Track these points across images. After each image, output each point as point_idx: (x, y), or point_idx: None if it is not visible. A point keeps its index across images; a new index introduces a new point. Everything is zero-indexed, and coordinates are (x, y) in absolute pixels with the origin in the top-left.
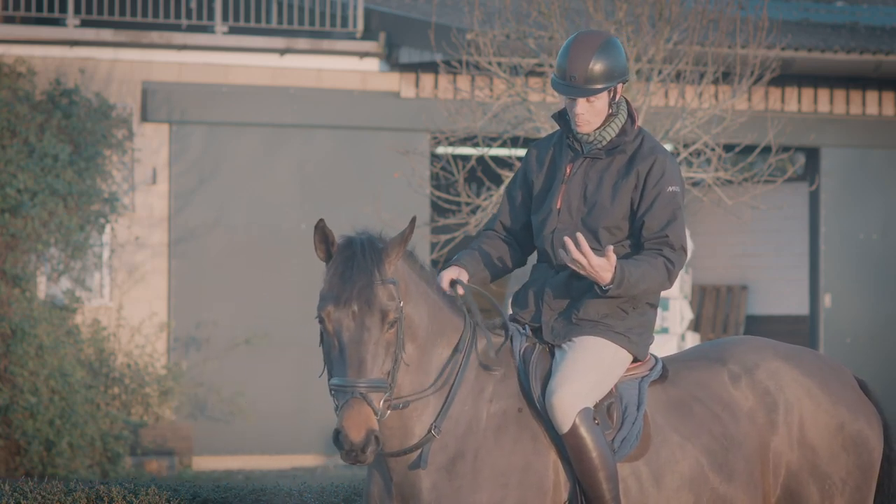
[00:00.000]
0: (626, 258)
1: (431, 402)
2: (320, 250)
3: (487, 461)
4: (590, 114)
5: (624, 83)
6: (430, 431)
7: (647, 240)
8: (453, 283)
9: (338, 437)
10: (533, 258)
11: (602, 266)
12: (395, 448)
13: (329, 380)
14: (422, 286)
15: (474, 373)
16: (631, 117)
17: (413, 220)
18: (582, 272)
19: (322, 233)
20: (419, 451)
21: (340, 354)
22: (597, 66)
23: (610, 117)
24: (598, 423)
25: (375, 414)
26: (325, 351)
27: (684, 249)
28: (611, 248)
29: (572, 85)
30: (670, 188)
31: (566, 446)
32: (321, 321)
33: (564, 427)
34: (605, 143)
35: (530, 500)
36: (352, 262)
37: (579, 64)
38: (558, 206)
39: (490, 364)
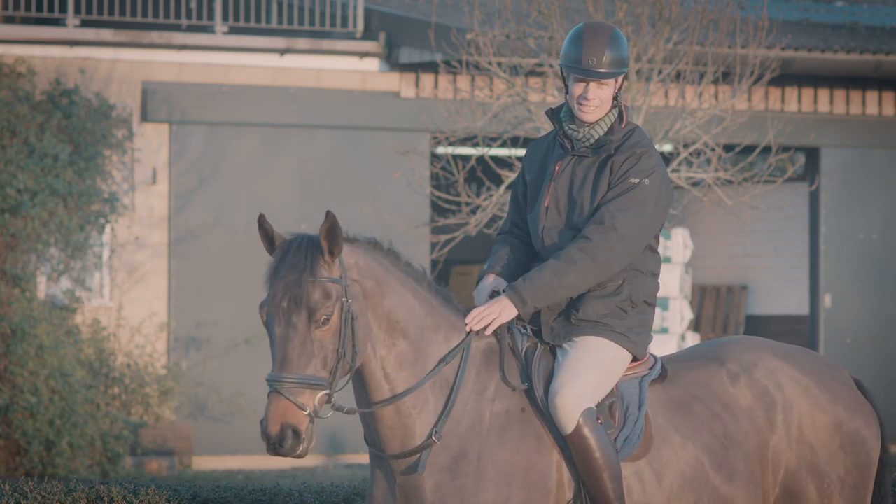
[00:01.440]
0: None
1: (431, 402)
2: (265, 245)
3: (491, 461)
4: (599, 99)
5: (625, 77)
6: (430, 436)
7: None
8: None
9: (260, 429)
10: None
11: (493, 307)
12: (395, 450)
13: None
14: (408, 282)
15: (475, 372)
16: (620, 117)
17: (328, 214)
18: (495, 324)
19: (262, 229)
20: (420, 454)
21: (272, 349)
22: (611, 53)
23: (611, 110)
24: (601, 423)
25: (302, 409)
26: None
27: (614, 226)
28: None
29: (591, 69)
30: (632, 179)
31: (570, 446)
32: (261, 318)
33: (568, 427)
34: (592, 140)
35: (534, 499)
36: (284, 259)
37: (597, 49)
38: (546, 204)
39: (515, 383)
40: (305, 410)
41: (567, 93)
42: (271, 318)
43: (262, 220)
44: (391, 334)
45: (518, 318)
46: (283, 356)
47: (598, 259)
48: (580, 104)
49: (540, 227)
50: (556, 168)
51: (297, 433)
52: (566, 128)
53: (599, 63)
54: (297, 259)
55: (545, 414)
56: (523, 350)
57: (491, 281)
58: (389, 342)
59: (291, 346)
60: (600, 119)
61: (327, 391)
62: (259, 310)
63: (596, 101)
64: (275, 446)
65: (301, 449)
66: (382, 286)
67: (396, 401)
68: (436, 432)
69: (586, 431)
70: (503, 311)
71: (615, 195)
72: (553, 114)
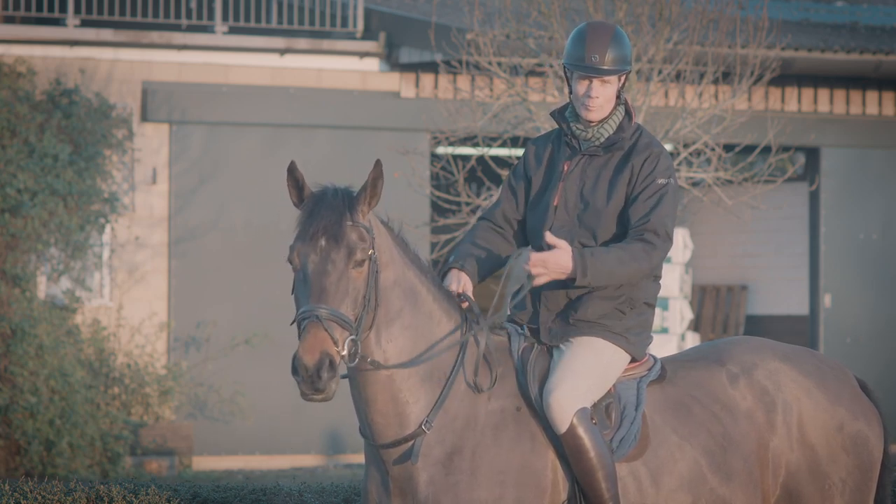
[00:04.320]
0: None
1: (427, 392)
2: (293, 195)
3: (486, 458)
4: (603, 98)
5: (628, 75)
6: (421, 425)
7: (631, 228)
8: (460, 296)
9: (293, 365)
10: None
11: (557, 257)
12: (390, 438)
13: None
14: (413, 268)
15: (472, 369)
16: (628, 114)
17: (377, 163)
18: (546, 278)
19: (293, 177)
20: (412, 442)
21: (304, 285)
22: (614, 50)
23: (614, 109)
24: (595, 423)
25: (335, 344)
26: (294, 292)
27: (668, 236)
28: (551, 237)
29: (594, 66)
30: (660, 180)
31: (564, 446)
32: (291, 262)
33: (562, 427)
34: (602, 140)
35: (528, 498)
36: (322, 202)
37: (599, 47)
38: (555, 204)
39: (481, 385)
40: (338, 347)
41: (571, 92)
42: (305, 256)
43: (293, 167)
44: (389, 311)
45: (516, 318)
46: (320, 289)
47: (653, 263)
48: (584, 103)
49: (546, 227)
50: (565, 168)
51: (333, 364)
52: (573, 128)
53: (602, 60)
54: (335, 203)
55: (540, 413)
56: (520, 350)
57: (457, 278)
58: (388, 318)
59: (329, 280)
60: (608, 118)
61: (354, 337)
62: (290, 252)
63: (600, 100)
64: (312, 378)
65: (333, 387)
66: (394, 261)
67: (392, 369)
68: (426, 422)
69: (580, 431)
70: (560, 269)
71: (654, 201)
72: (559, 114)
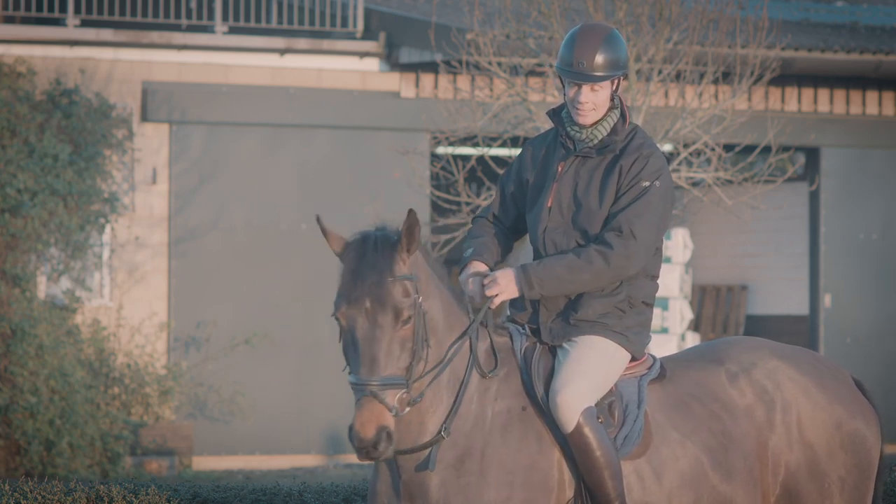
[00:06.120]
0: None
1: (445, 399)
2: (330, 244)
3: (494, 459)
4: (593, 103)
5: (624, 78)
6: (440, 432)
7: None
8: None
9: (350, 435)
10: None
11: (504, 277)
12: (408, 445)
13: (349, 376)
14: (435, 281)
15: (479, 371)
16: (623, 116)
17: (410, 212)
18: (502, 297)
19: (322, 231)
20: (429, 450)
21: (355, 352)
22: (604, 55)
23: (609, 111)
24: (601, 422)
25: (390, 411)
26: (343, 348)
27: (633, 234)
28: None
29: (581, 72)
30: (644, 182)
31: (571, 445)
32: (337, 319)
33: (569, 426)
34: (596, 141)
35: (536, 498)
36: (363, 259)
37: (588, 52)
38: (549, 205)
39: (487, 370)
40: (392, 412)
41: (564, 94)
42: (352, 320)
43: (319, 223)
44: (435, 339)
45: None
46: (371, 358)
47: (613, 265)
48: (574, 107)
49: (541, 228)
50: (559, 168)
51: (390, 435)
52: (568, 128)
53: (590, 66)
54: (375, 258)
55: (546, 413)
56: (522, 350)
57: (481, 270)
58: (434, 347)
59: (379, 346)
60: (602, 120)
61: (406, 390)
62: (335, 310)
63: (589, 105)
64: (367, 450)
65: (390, 450)
66: (428, 283)
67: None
68: (445, 428)
69: (587, 430)
70: (507, 288)
71: (629, 201)
72: (554, 114)
